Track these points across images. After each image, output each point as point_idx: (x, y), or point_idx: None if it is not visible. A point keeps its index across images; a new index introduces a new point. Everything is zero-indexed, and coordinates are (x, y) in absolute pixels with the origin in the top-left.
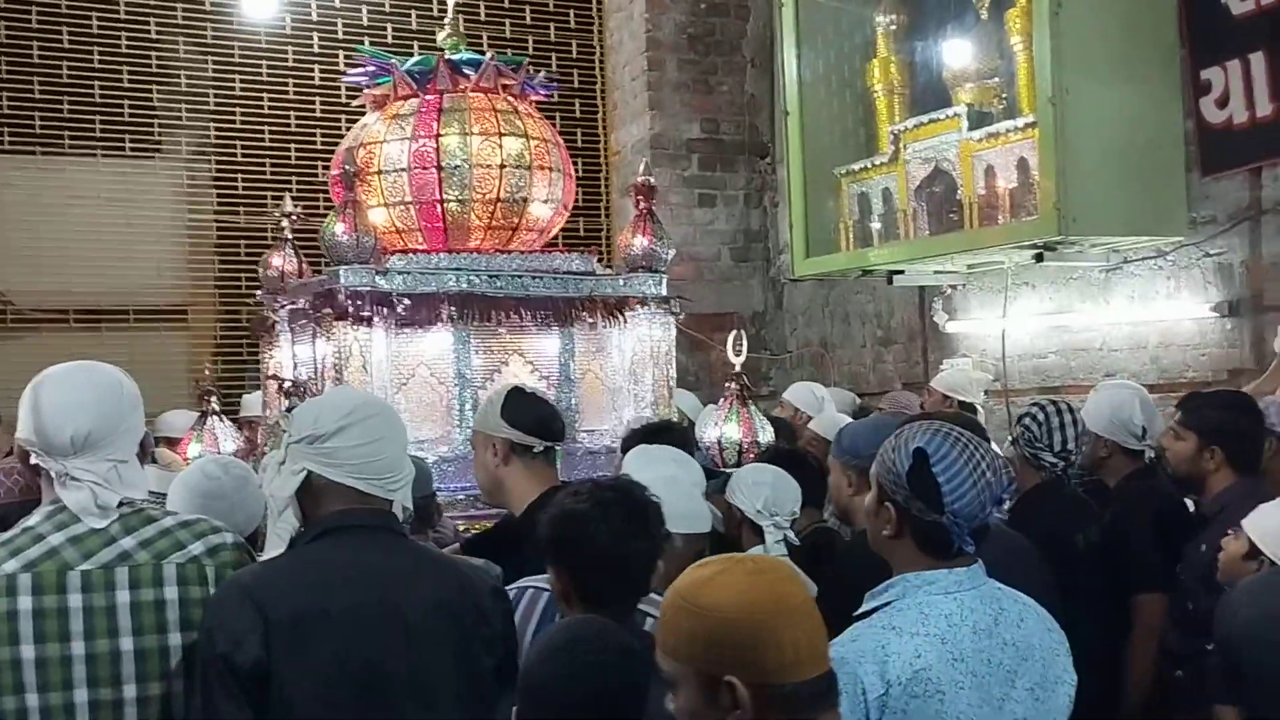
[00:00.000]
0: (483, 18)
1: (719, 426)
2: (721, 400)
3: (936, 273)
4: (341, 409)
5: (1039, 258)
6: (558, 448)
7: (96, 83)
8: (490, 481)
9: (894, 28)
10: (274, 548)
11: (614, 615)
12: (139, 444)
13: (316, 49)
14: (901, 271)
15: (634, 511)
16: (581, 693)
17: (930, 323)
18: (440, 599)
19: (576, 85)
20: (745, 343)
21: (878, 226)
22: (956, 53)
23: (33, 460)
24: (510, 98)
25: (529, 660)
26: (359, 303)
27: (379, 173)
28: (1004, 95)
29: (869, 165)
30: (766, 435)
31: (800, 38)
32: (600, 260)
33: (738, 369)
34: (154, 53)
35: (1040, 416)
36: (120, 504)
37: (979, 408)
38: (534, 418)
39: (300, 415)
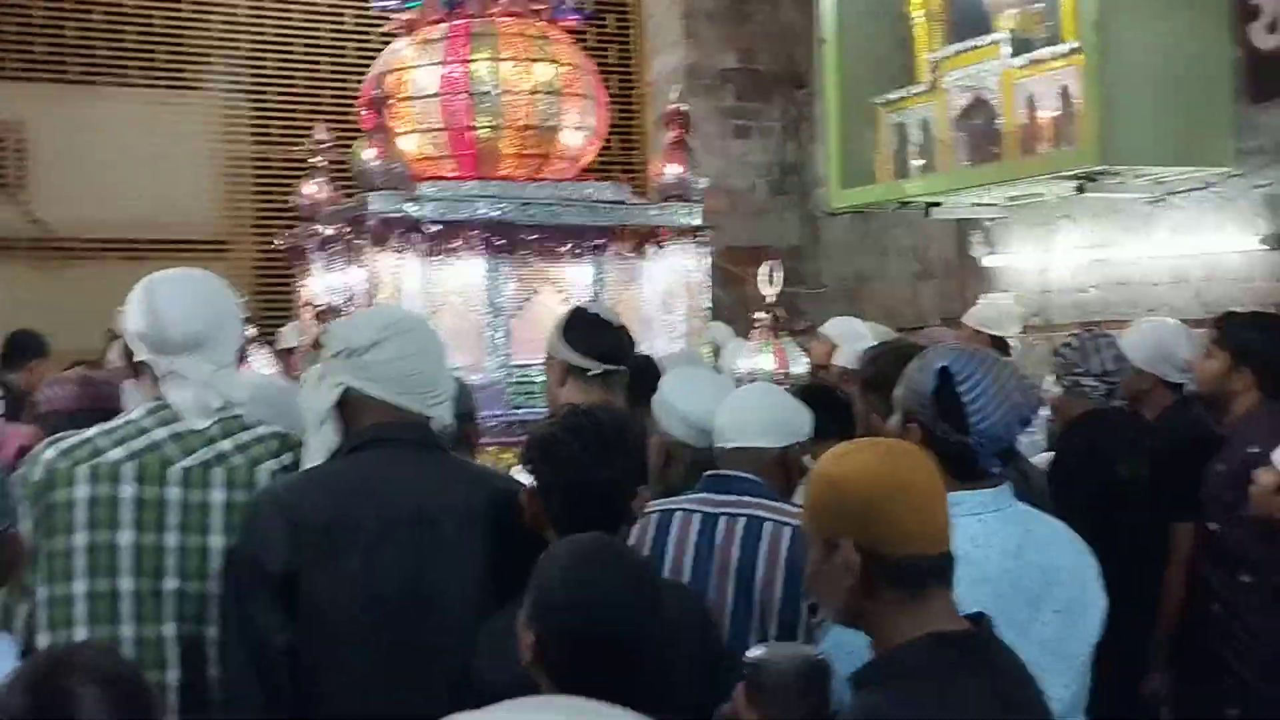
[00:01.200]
0: None
1: (751, 358)
2: (753, 332)
3: (975, 205)
4: (378, 323)
5: (1080, 189)
6: (619, 370)
7: (131, 14)
8: (551, 402)
9: None
10: (313, 460)
11: None
12: (237, 352)
13: None
14: (939, 204)
15: (605, 438)
16: (597, 608)
17: (968, 256)
18: (472, 510)
19: (611, 15)
20: (781, 274)
21: (916, 159)
22: None
23: (138, 357)
24: (541, 23)
25: (543, 573)
26: (389, 229)
27: (409, 99)
28: (1047, 22)
29: (907, 95)
30: (800, 367)
31: None
32: (636, 190)
33: (771, 300)
34: None
35: (1076, 343)
36: (218, 408)
37: (1013, 343)
38: (591, 340)
39: (337, 330)
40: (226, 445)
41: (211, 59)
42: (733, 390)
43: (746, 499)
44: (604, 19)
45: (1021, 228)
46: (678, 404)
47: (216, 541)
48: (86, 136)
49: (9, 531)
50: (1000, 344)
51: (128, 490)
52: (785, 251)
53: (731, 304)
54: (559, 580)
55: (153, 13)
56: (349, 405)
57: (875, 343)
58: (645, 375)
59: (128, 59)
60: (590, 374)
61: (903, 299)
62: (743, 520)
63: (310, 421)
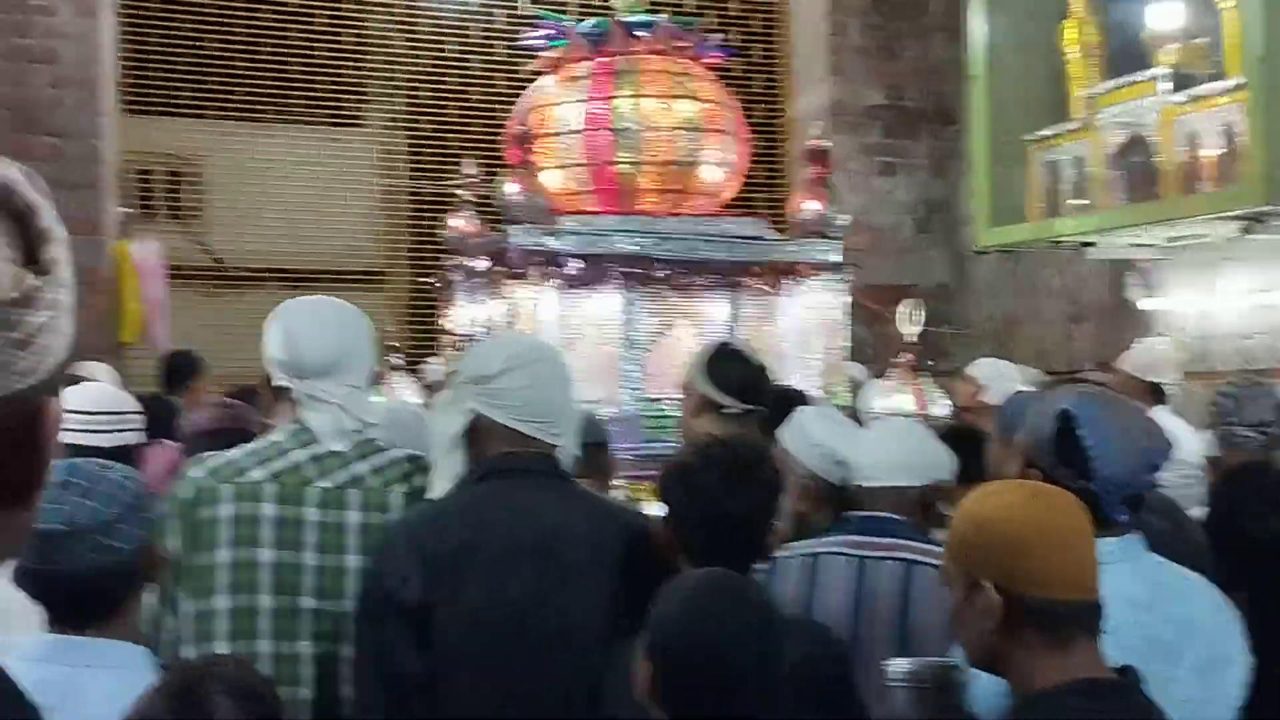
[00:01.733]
0: None
1: (888, 398)
2: (893, 372)
3: (1132, 245)
4: (508, 351)
5: (1246, 230)
6: (756, 410)
7: (297, 52)
8: (685, 434)
9: None
10: (439, 485)
11: None
12: (370, 376)
13: (498, 19)
14: (1094, 244)
15: (740, 469)
16: (715, 643)
17: (1124, 299)
18: (596, 541)
19: (757, 52)
20: (922, 312)
21: (1069, 196)
22: (1158, 12)
23: (276, 382)
24: (684, 60)
25: (663, 606)
26: (529, 262)
27: (552, 134)
28: (1210, 57)
29: (1060, 131)
30: (940, 408)
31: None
32: (775, 228)
33: (912, 339)
34: (348, 25)
35: (1231, 391)
36: (352, 430)
37: (1171, 390)
38: (732, 377)
39: (469, 356)
40: (362, 468)
41: (370, 95)
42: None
43: (895, 540)
44: (750, 55)
45: (1182, 269)
46: (816, 435)
47: (352, 562)
48: (255, 170)
49: (149, 544)
50: (1157, 391)
51: (269, 509)
52: (931, 291)
53: (873, 343)
54: (678, 614)
55: (316, 51)
56: (477, 432)
57: (1023, 386)
58: (789, 410)
59: (293, 96)
60: (726, 410)
61: (1055, 342)
62: (893, 564)
63: (438, 446)
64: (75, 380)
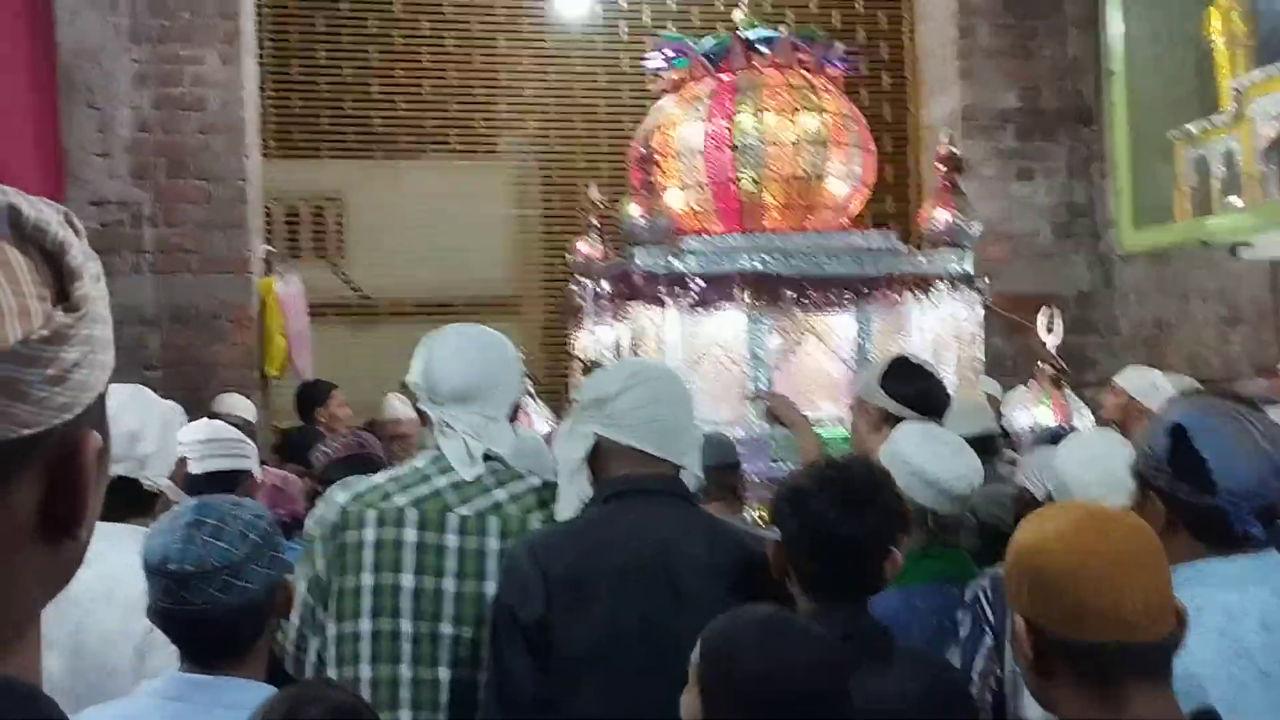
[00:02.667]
0: None
1: (1029, 410)
2: (1032, 383)
3: None
4: (624, 372)
5: None
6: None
7: (431, 94)
8: (859, 449)
9: None
10: (565, 510)
11: (829, 600)
12: (512, 405)
13: (624, 37)
14: (1249, 243)
15: (856, 492)
16: (773, 690)
17: None
18: (713, 565)
19: (884, 58)
20: (1059, 320)
21: (1220, 193)
22: None
23: (418, 405)
24: (806, 73)
25: (722, 634)
26: (653, 284)
27: (675, 155)
28: None
29: (1208, 126)
30: (1084, 421)
31: None
32: (907, 239)
33: (1051, 349)
34: (479, 56)
35: None
36: (488, 458)
37: None
38: (914, 389)
39: (589, 382)
40: (501, 495)
41: (502, 125)
42: (966, 450)
43: None
44: (876, 62)
45: None
46: (919, 463)
47: (491, 589)
48: (394, 204)
49: (279, 582)
50: None
51: (410, 535)
52: (1074, 298)
53: (1015, 354)
54: (735, 647)
55: (449, 92)
56: (600, 455)
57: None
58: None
59: (429, 130)
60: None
61: (1209, 347)
62: None
63: (563, 472)
64: (217, 416)
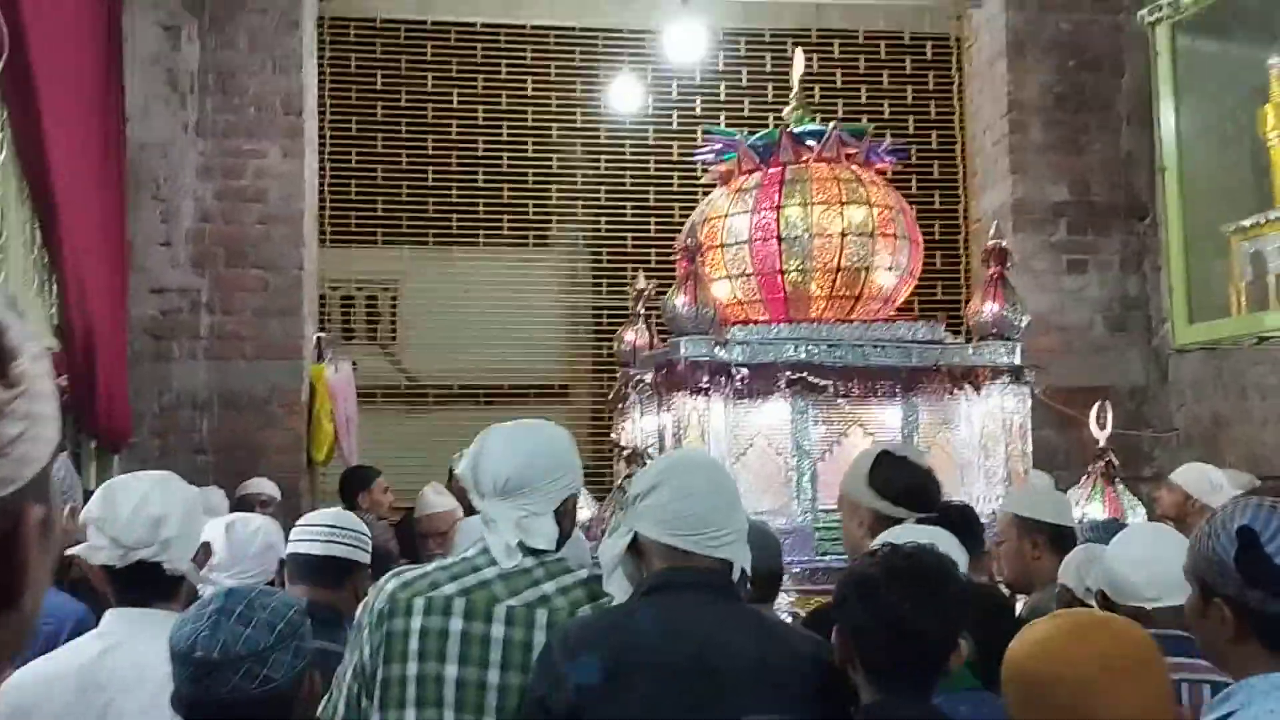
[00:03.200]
0: (839, 85)
1: (1080, 506)
2: (1085, 478)
3: None
4: (659, 466)
5: None
6: (928, 518)
7: (484, 184)
8: (851, 549)
9: None
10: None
11: (895, 691)
12: (563, 499)
13: (675, 127)
14: None
15: (927, 584)
16: None
17: None
18: (760, 660)
19: (935, 149)
20: (1110, 414)
21: (1276, 288)
22: None
23: (471, 497)
24: (854, 166)
25: None
26: (698, 373)
27: (722, 245)
28: None
29: (1264, 220)
30: (1137, 517)
31: (1179, 88)
32: (959, 330)
33: (1103, 444)
34: (531, 152)
35: None
36: (529, 551)
37: None
38: (903, 487)
39: (634, 479)
40: (550, 588)
41: (555, 214)
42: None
43: (1195, 662)
44: (928, 154)
45: None
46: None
47: None
48: (447, 292)
49: (305, 673)
50: None
51: (456, 625)
52: (1128, 392)
53: (1068, 449)
54: None
55: (503, 182)
56: (642, 550)
57: (1235, 493)
58: (958, 524)
59: (482, 219)
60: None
61: (1269, 444)
62: (1207, 687)
63: (605, 568)
64: (245, 498)
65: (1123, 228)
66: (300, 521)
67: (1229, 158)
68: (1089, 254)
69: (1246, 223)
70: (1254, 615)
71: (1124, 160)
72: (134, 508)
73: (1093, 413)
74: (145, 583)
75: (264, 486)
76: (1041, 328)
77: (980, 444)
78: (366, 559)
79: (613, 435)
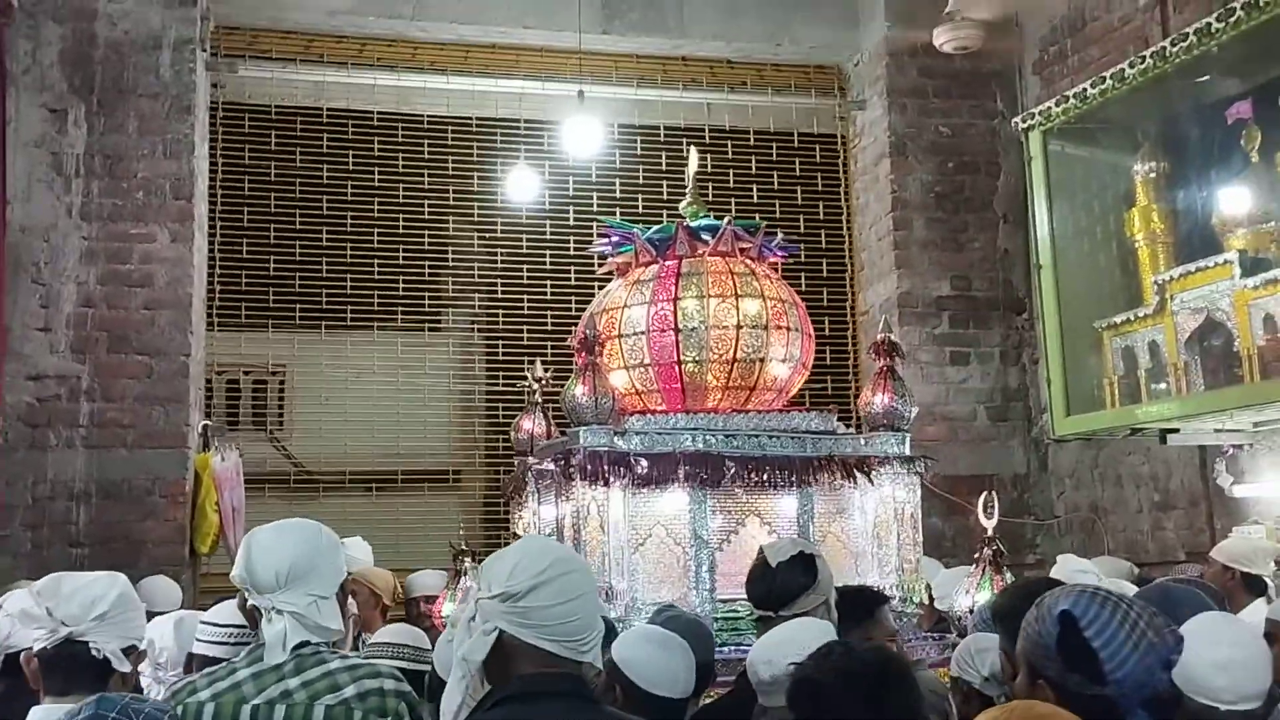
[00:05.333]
0: (731, 185)
1: (970, 595)
2: (974, 566)
3: (1217, 431)
4: (537, 565)
5: None
6: (775, 614)
7: (376, 266)
8: None
9: (1154, 175)
10: (451, 710)
11: None
12: (339, 585)
13: (572, 222)
14: (1176, 430)
15: (872, 681)
16: None
17: (1214, 485)
18: None
19: (824, 246)
20: (996, 504)
21: (1146, 382)
22: (1226, 198)
23: (249, 602)
24: (748, 260)
25: None
26: (597, 463)
27: (619, 336)
28: None
29: (1132, 317)
30: None
31: (1052, 189)
32: (849, 421)
33: (990, 532)
34: (426, 237)
35: None
36: (303, 645)
37: (1269, 581)
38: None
39: (492, 569)
40: (293, 683)
41: (448, 299)
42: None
43: None
44: (817, 251)
45: (1273, 454)
46: None
47: None
48: (336, 376)
49: None
50: (1255, 581)
51: None
52: (1010, 480)
53: (954, 535)
54: None
55: (396, 258)
56: (499, 650)
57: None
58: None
59: (374, 302)
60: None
61: (1143, 531)
62: None
63: (458, 668)
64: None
65: (1002, 321)
66: (204, 619)
67: (1100, 257)
68: (971, 346)
69: (1118, 319)
70: (1073, 698)
71: (1001, 257)
72: (75, 589)
73: (980, 502)
74: (71, 669)
75: (169, 592)
76: (927, 418)
77: (873, 532)
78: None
79: (511, 525)
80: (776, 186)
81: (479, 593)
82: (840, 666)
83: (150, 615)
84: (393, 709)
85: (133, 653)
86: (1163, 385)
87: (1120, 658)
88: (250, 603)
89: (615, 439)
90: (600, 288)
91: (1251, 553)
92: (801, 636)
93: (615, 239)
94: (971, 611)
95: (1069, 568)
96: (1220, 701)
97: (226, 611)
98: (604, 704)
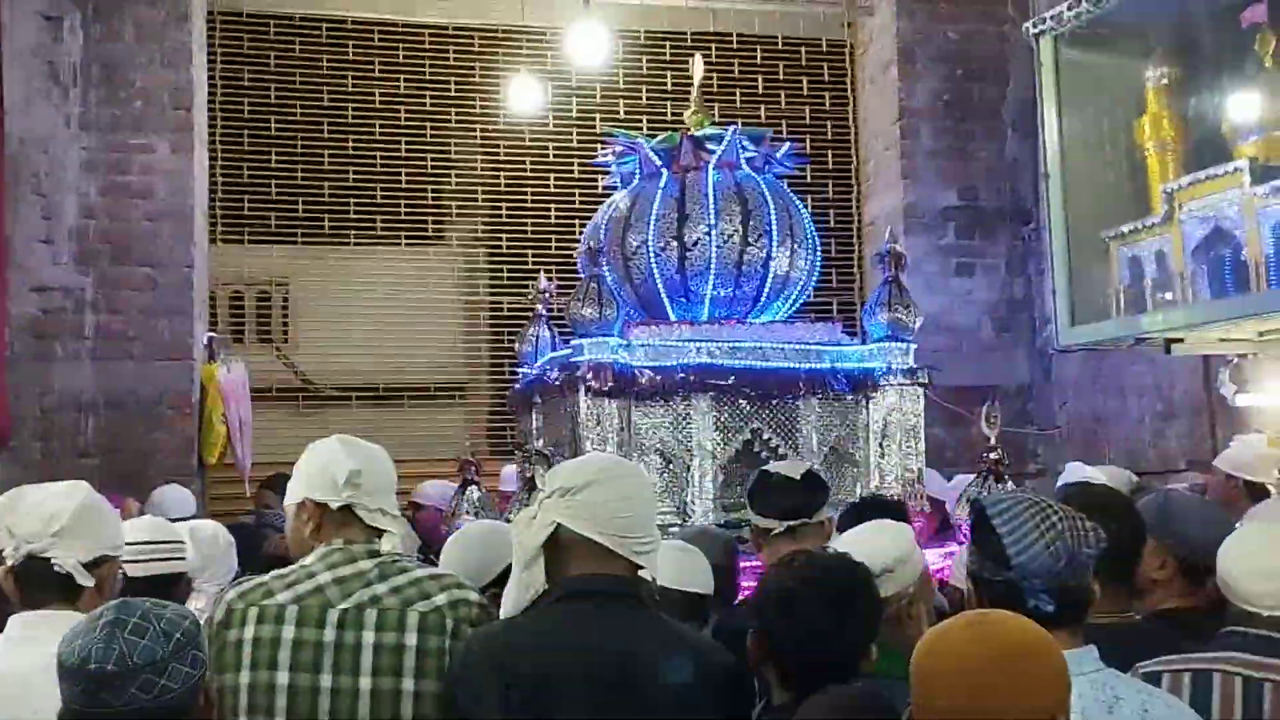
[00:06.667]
0: (736, 94)
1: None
2: (975, 476)
3: (1221, 340)
4: (596, 464)
5: None
6: (806, 523)
7: (380, 176)
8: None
9: (1165, 82)
10: (513, 602)
11: (805, 692)
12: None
13: (575, 134)
14: (1181, 340)
15: (842, 592)
16: None
17: (1217, 395)
18: (674, 677)
19: (830, 157)
20: (999, 415)
21: (1152, 291)
22: (1238, 105)
23: (337, 504)
24: (753, 169)
25: None
26: (601, 375)
27: (624, 247)
28: None
29: (1140, 227)
30: None
31: (1062, 97)
32: (853, 330)
33: (992, 443)
34: (430, 146)
35: None
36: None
37: (1272, 489)
38: (763, 502)
39: (556, 471)
40: (382, 588)
41: (451, 213)
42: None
43: None
44: (822, 161)
45: (1276, 363)
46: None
47: (365, 684)
48: (341, 291)
49: (201, 683)
50: (1258, 489)
51: (288, 632)
52: (1014, 391)
53: (956, 445)
54: None
55: (400, 172)
56: (558, 546)
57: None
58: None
59: (378, 217)
60: (775, 533)
61: (1144, 440)
62: None
63: (519, 559)
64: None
65: (1008, 232)
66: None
67: (1109, 166)
68: (976, 257)
69: (1125, 229)
70: (986, 585)
71: (1009, 166)
72: (32, 504)
73: (983, 412)
74: (37, 584)
75: (172, 493)
76: (932, 328)
77: (876, 443)
78: (186, 569)
79: (513, 434)
80: (783, 96)
81: (542, 493)
82: (807, 575)
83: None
84: (479, 619)
85: (106, 563)
86: (1169, 295)
87: (1023, 545)
88: (342, 504)
89: (619, 351)
90: (604, 194)
91: (1254, 461)
92: (877, 540)
93: (620, 149)
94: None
95: (1077, 475)
96: (1262, 607)
97: (140, 528)
98: (652, 609)
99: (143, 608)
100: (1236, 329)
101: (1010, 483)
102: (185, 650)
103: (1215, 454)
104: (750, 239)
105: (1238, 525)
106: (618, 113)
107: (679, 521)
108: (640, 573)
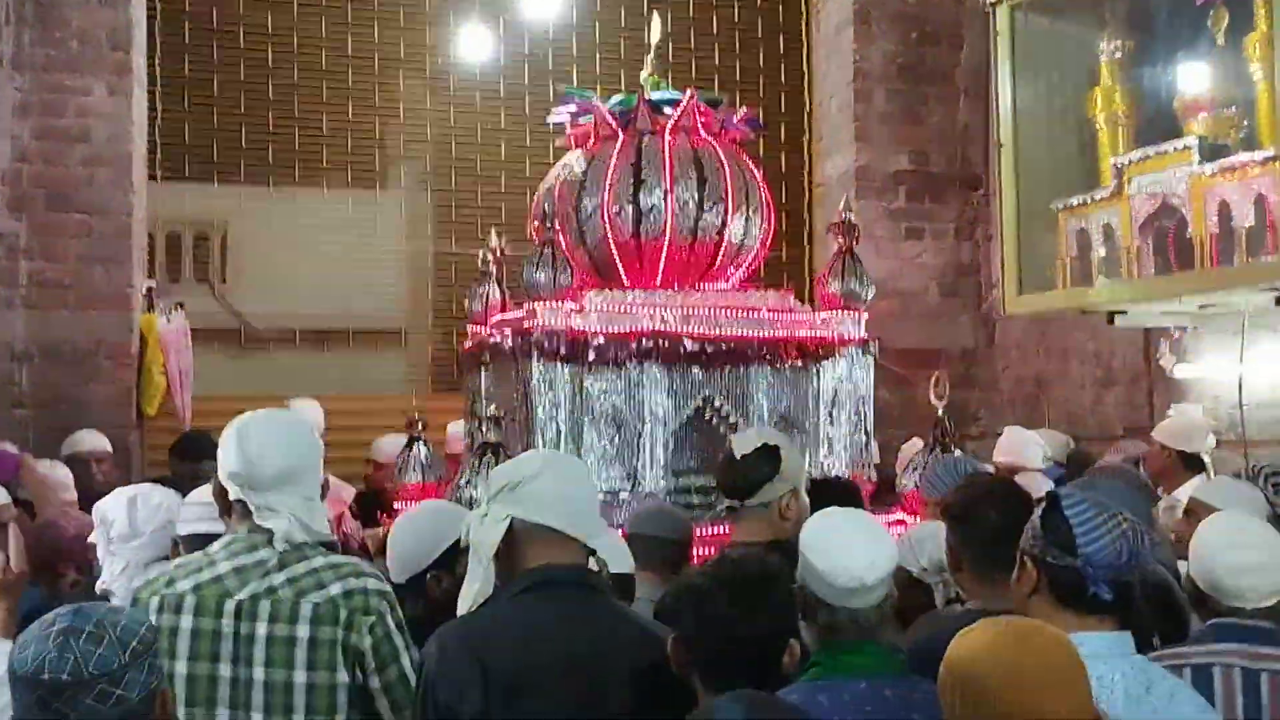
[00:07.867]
0: (693, 51)
1: (918, 473)
2: (923, 447)
3: (1164, 313)
4: (539, 458)
5: (1279, 301)
6: (745, 505)
7: (325, 116)
8: None
9: (1119, 55)
10: (470, 598)
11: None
12: (320, 486)
13: (527, 82)
14: (1124, 312)
15: (751, 590)
16: None
17: (1156, 365)
18: (633, 664)
19: (783, 115)
20: (947, 386)
21: (1099, 264)
22: (1189, 81)
23: (232, 496)
24: (709, 134)
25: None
26: (553, 339)
27: (577, 210)
28: (1243, 125)
29: (1089, 199)
30: None
31: (1016, 66)
32: (804, 291)
33: (940, 412)
34: (378, 88)
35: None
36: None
37: (1205, 459)
38: (719, 476)
39: (499, 471)
40: (278, 578)
41: (397, 158)
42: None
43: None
44: (775, 123)
45: (1214, 337)
46: (816, 561)
47: (259, 675)
48: (283, 233)
49: (157, 691)
50: (1192, 460)
51: (186, 622)
52: (958, 354)
53: (901, 406)
54: None
55: (344, 114)
56: (512, 539)
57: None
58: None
59: (322, 159)
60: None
61: (1084, 405)
62: None
63: (475, 558)
64: (75, 455)
65: (958, 197)
66: (190, 500)
67: (1061, 137)
68: (926, 221)
69: (1074, 200)
70: (1049, 568)
71: (961, 132)
72: None
73: (931, 381)
74: None
75: (95, 441)
76: (880, 292)
77: (827, 412)
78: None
79: (464, 398)
80: (738, 53)
81: (488, 495)
82: (730, 578)
83: (76, 460)
84: (375, 608)
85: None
86: (1115, 268)
87: (1091, 536)
88: (236, 497)
89: (572, 316)
90: (557, 152)
91: (1189, 431)
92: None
93: (574, 108)
94: (918, 489)
95: (1014, 438)
96: (1246, 601)
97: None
98: (610, 596)
99: (98, 614)
100: (1178, 303)
101: (958, 451)
102: (142, 659)
103: (1152, 422)
104: (705, 206)
105: (1166, 497)
106: (570, 59)
107: (629, 487)
108: (591, 560)
